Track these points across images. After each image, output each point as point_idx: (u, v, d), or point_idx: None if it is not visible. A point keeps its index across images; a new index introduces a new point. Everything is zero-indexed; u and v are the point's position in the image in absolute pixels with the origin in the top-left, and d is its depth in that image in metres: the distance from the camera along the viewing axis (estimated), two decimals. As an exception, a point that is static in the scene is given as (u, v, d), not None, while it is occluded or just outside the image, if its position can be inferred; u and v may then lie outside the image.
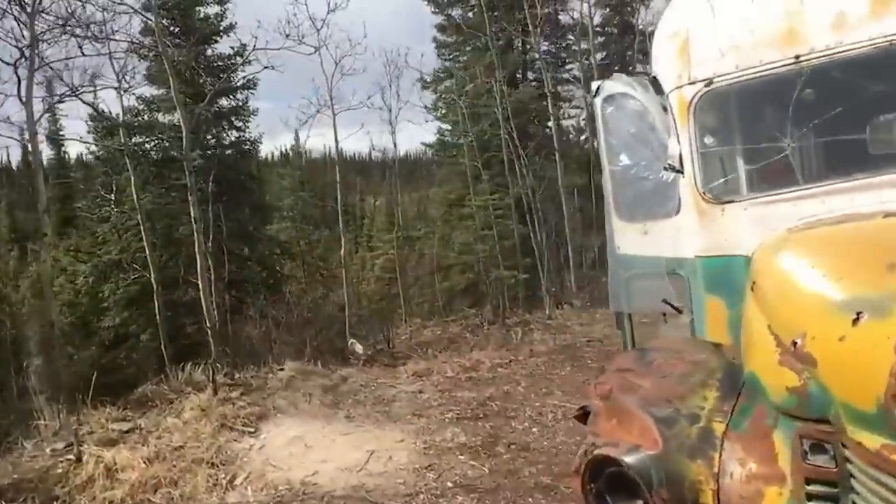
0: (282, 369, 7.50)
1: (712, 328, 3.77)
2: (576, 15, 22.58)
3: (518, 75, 22.75)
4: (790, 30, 3.49)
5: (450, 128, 22.47)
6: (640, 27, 23.90)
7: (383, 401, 6.75)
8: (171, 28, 15.51)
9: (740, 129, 4.06)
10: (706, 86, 3.74)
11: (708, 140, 3.83)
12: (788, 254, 2.66)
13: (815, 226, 3.14)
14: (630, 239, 4.04)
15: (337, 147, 15.07)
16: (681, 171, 3.78)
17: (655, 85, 3.82)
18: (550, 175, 18.78)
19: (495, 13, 19.85)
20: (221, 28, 15.83)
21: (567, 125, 20.68)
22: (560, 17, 22.47)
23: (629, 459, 2.26)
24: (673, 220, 3.88)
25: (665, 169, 3.87)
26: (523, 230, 14.91)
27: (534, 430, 5.75)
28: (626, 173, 4.08)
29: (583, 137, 24.70)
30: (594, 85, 4.34)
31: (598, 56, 24.52)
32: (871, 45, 3.26)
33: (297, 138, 27.53)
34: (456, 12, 23.00)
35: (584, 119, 24.28)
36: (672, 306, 4.03)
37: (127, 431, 5.58)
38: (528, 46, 23.05)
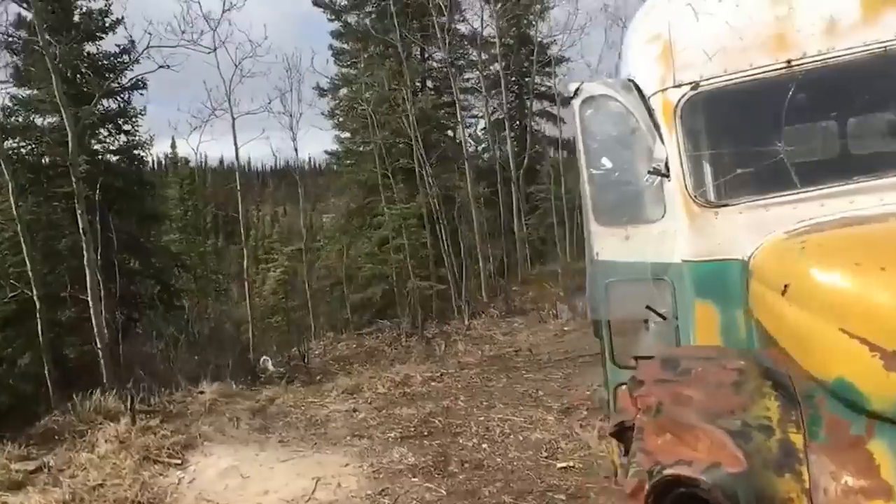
0: (202, 392, 6.91)
1: (702, 333, 3.70)
2: (475, 25, 22.81)
3: (418, 84, 22.68)
4: (780, 35, 3.50)
5: (349, 136, 22.09)
6: (539, 39, 24.61)
7: (317, 422, 6.34)
8: (49, 23, 14.20)
9: (732, 133, 4.02)
10: (692, 89, 3.69)
11: (697, 144, 3.80)
12: (843, 254, 2.60)
13: (837, 226, 3.11)
14: (610, 244, 3.95)
15: (236, 153, 14.29)
16: (666, 175, 3.72)
17: (638, 88, 3.76)
18: (456, 184, 18.87)
19: (394, 20, 19.67)
20: (107, 24, 14.68)
21: (464, 135, 20.69)
22: (458, 26, 22.65)
23: (710, 479, 2.08)
24: (657, 225, 3.81)
25: (649, 173, 3.80)
26: (437, 240, 14.77)
27: (484, 446, 5.56)
28: (606, 177, 3.98)
29: (481, 147, 25.02)
30: (572, 86, 4.21)
31: (496, 67, 24.95)
32: (864, 50, 3.31)
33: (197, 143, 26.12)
34: (352, 18, 22.68)
35: (482, 129, 24.60)
36: (655, 312, 3.97)
37: (33, 471, 4.89)
38: (427, 56, 23.11)
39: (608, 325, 4.09)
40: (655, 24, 3.74)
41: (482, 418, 6.17)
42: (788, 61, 3.51)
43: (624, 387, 3.01)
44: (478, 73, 22.20)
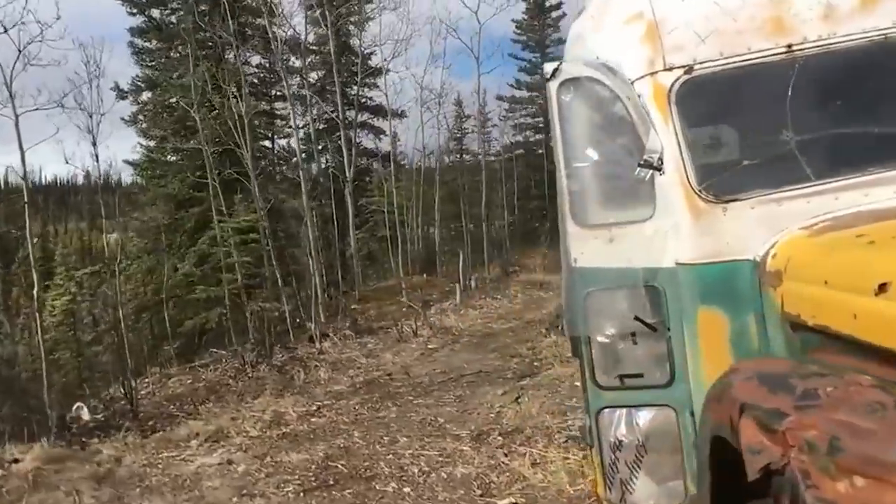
0: (16, 461, 5.31)
1: (709, 345, 3.28)
2: (290, 31, 21.63)
3: (233, 89, 21.00)
4: (777, 18, 3.24)
5: (155, 143, 19.82)
6: (360, 49, 23.94)
7: (186, 483, 5.09)
8: None
9: (734, 121, 3.66)
10: (686, 73, 3.31)
11: (697, 132, 3.38)
12: None
13: (867, 219, 2.83)
14: (592, 249, 3.41)
15: (22, 156, 11.82)
16: (659, 169, 3.27)
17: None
18: (280, 196, 17.60)
19: (206, 19, 18.01)
20: None
21: (297, 144, 19.51)
22: (278, 29, 21.34)
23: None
24: (648, 225, 3.35)
25: (640, 166, 3.33)
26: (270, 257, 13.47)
27: (406, 490, 4.73)
28: (587, 172, 3.45)
29: (302, 158, 23.78)
30: (549, 67, 3.64)
31: (315, 75, 23.95)
32: (865, 37, 3.15)
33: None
34: (157, 13, 20.45)
35: (301, 139, 23.40)
36: (646, 324, 3.49)
37: None
38: (245, 59, 21.49)
39: (588, 341, 3.56)
40: (634, 4, 3.37)
41: (390, 456, 5.34)
42: (789, 46, 3.25)
43: (745, 418, 2.46)
44: (300, 79, 21.03)
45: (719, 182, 3.44)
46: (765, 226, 3.24)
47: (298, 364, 9.62)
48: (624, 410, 3.62)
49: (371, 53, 24.27)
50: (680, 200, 3.41)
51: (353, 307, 14.90)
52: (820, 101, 3.54)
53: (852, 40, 3.22)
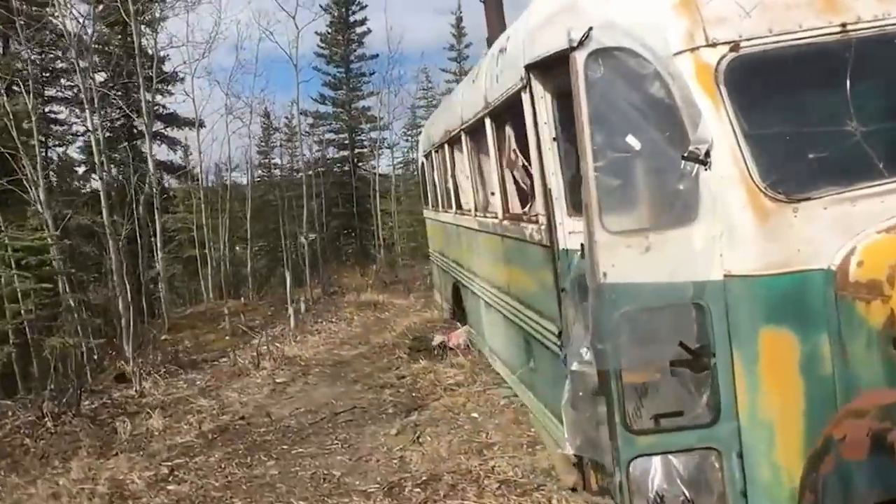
0: None
1: (772, 370, 2.85)
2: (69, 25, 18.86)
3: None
4: None
5: None
6: (151, 51, 21.52)
7: None
8: None
9: (791, 108, 3.22)
10: (732, 50, 2.89)
11: (755, 120, 2.94)
12: None
13: None
14: (624, 260, 2.85)
15: None
16: (704, 163, 2.81)
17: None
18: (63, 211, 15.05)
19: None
20: None
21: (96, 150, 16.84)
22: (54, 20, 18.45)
23: None
24: (693, 229, 2.86)
25: (684, 158, 2.85)
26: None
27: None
28: (621, 165, 2.87)
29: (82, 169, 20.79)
30: (573, 33, 3.02)
31: (101, 76, 21.13)
32: None
33: None
34: None
35: (79, 148, 20.41)
36: (690, 351, 2.99)
37: None
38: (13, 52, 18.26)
39: (618, 375, 2.97)
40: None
41: (295, 530, 4.34)
42: (843, 25, 2.93)
43: None
44: (83, 80, 18.33)
45: (790, 178, 2.90)
46: (838, 229, 2.87)
47: (117, 411, 7.96)
48: (660, 458, 3.03)
49: (166, 57, 22.06)
50: (739, 200, 2.95)
51: (163, 338, 13.05)
52: (882, 87, 3.23)
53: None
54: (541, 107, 4.03)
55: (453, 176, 7.51)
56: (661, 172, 3.03)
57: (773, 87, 3.19)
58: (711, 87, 2.88)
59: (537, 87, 4.03)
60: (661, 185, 3.05)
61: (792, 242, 2.78)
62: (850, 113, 2.91)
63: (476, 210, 6.41)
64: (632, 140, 3.02)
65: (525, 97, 4.17)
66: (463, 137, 6.44)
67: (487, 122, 5.27)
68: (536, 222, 4.33)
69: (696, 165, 2.84)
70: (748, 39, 2.90)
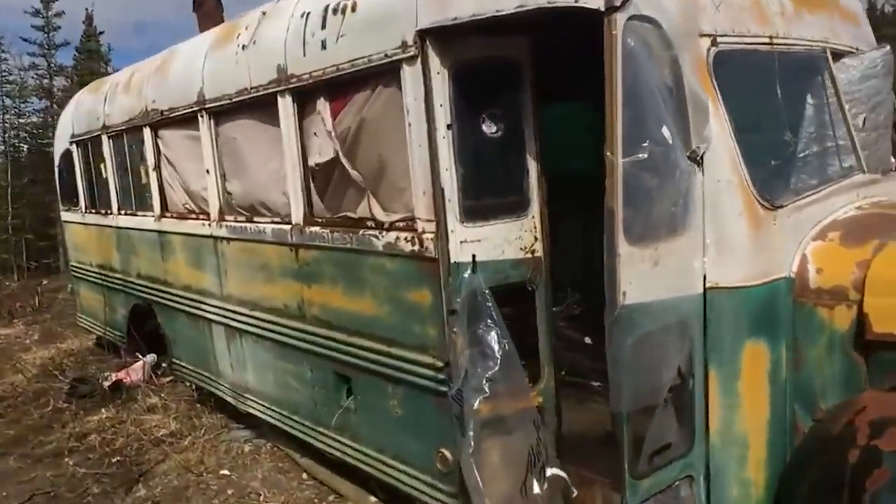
0: None
1: (752, 386, 2.84)
2: None
3: None
4: (757, 3, 3.13)
5: None
6: None
7: None
8: None
9: (760, 111, 3.25)
10: (713, 44, 2.84)
11: (741, 120, 2.84)
12: None
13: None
14: (640, 276, 2.55)
15: None
16: (699, 164, 2.65)
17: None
18: None
19: None
20: None
21: None
22: None
23: None
24: (682, 240, 2.67)
25: (688, 158, 2.63)
26: None
27: None
28: (651, 161, 2.50)
29: None
30: None
31: None
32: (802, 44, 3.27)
33: None
34: None
35: None
36: (682, 376, 2.75)
37: None
38: None
39: (627, 417, 2.55)
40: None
41: None
42: (770, 38, 3.14)
43: None
44: None
45: (772, 184, 3.04)
46: (793, 235, 2.93)
47: None
48: (651, 501, 2.77)
49: None
50: (736, 207, 2.79)
51: None
52: (802, 101, 3.45)
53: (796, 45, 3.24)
54: (437, 84, 3.22)
55: (158, 169, 5.83)
56: (673, 173, 2.63)
57: (743, 86, 3.10)
58: (707, 81, 2.71)
59: (434, 59, 3.20)
60: (672, 188, 2.64)
61: (771, 251, 2.79)
62: (795, 119, 3.22)
63: (222, 214, 5.02)
64: (666, 131, 2.54)
65: (408, 71, 3.28)
66: (203, 119, 4.99)
67: (285, 101, 4.11)
68: (410, 230, 3.46)
69: (696, 167, 2.60)
70: (721, 35, 2.89)
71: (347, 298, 3.98)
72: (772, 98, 3.17)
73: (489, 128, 3.40)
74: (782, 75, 3.23)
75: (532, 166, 3.53)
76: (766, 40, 3.18)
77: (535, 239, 3.58)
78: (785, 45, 3.29)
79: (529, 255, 3.57)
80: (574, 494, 3.19)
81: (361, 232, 3.74)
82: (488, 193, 3.49)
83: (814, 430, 2.92)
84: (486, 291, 3.32)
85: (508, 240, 3.49)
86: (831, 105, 3.59)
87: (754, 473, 2.90)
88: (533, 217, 3.56)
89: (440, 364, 3.44)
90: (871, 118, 4.03)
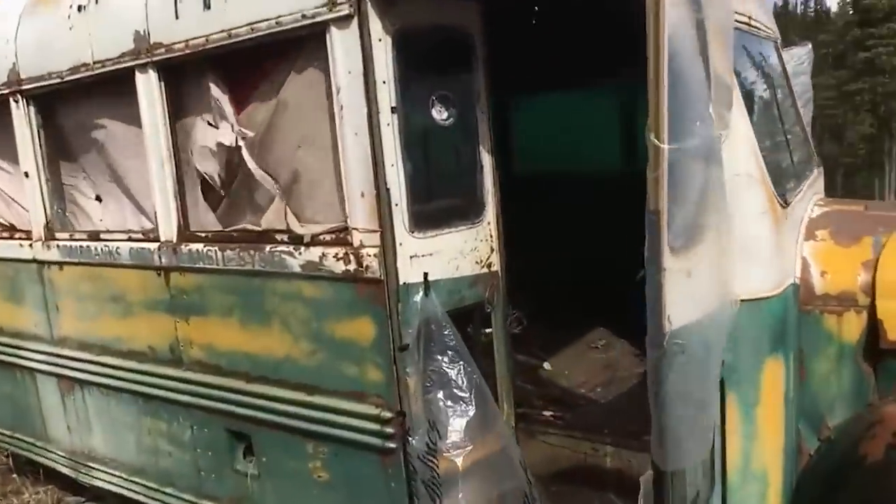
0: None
1: (769, 409, 2.46)
2: None
3: None
4: None
5: None
6: None
7: None
8: None
9: (753, 96, 2.92)
10: None
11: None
12: None
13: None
14: (681, 294, 2.07)
15: None
16: None
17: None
18: None
19: None
20: None
21: None
22: None
23: None
24: (721, 245, 2.30)
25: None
26: None
27: None
28: (698, 148, 2.04)
29: None
30: None
31: None
32: None
33: None
34: None
35: None
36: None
37: None
38: None
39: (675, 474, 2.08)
40: None
41: None
42: (749, 18, 3.05)
43: None
44: None
45: (779, 180, 2.64)
46: (791, 235, 2.68)
47: None
48: None
49: None
50: (758, 205, 2.46)
51: None
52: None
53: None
54: (379, 55, 2.48)
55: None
56: (720, 163, 2.13)
57: (741, 70, 2.73)
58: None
59: (374, 20, 2.46)
60: (717, 180, 2.15)
61: (783, 255, 2.50)
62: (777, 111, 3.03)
63: (50, 231, 3.85)
64: (712, 111, 2.02)
65: (338, 37, 2.50)
66: (18, 106, 3.78)
67: (147, 78, 3.13)
68: (342, 244, 2.68)
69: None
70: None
71: (246, 336, 3.07)
72: (759, 83, 2.81)
73: (440, 113, 2.72)
74: (755, 60, 2.91)
75: (487, 161, 2.89)
76: (746, 20, 2.83)
77: (492, 250, 2.95)
78: (756, 27, 2.96)
79: (486, 270, 2.93)
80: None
81: (268, 248, 2.87)
82: (440, 195, 2.81)
83: (828, 450, 2.58)
84: (444, 316, 2.65)
85: (463, 252, 2.82)
86: (785, 97, 3.34)
87: (773, 508, 2.54)
88: (488, 223, 2.93)
89: (387, 415, 2.68)
90: (803, 113, 3.86)
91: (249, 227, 2.97)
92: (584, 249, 4.51)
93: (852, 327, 2.49)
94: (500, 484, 2.78)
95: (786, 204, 2.52)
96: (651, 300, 1.90)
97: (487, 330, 3.13)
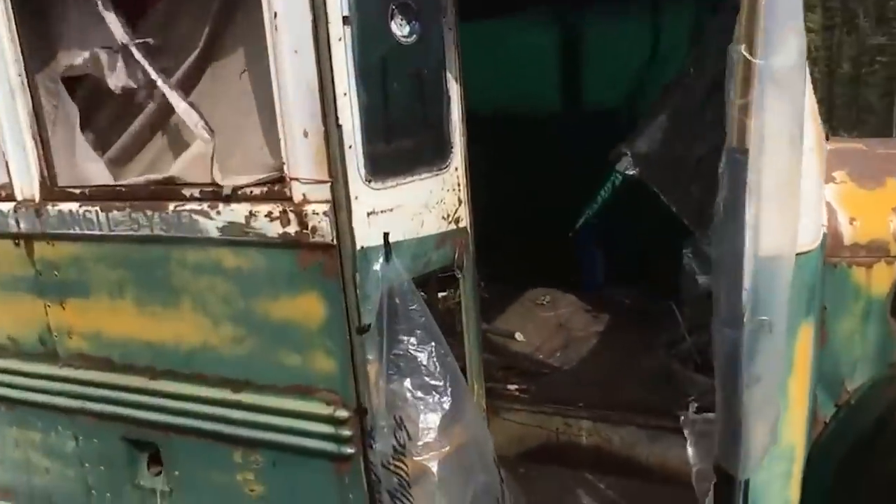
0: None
1: (799, 380, 2.14)
2: None
3: None
4: None
5: None
6: None
7: None
8: None
9: None
10: None
11: None
12: None
13: None
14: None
15: None
16: None
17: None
18: None
19: None
20: None
21: None
22: None
23: None
24: None
25: None
26: None
27: None
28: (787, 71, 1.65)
29: None
30: None
31: None
32: None
33: None
34: None
35: None
36: None
37: None
38: None
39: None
40: None
41: None
42: None
43: None
44: None
45: None
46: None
47: None
48: None
49: None
50: (809, 140, 2.05)
51: None
52: None
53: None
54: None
55: None
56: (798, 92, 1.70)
57: None
58: None
59: None
60: (797, 110, 1.72)
61: (819, 200, 2.17)
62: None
63: None
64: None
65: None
66: None
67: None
68: (278, 198, 2.04)
69: None
70: None
71: (145, 321, 2.37)
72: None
73: (400, 28, 2.10)
74: None
75: (455, 91, 2.32)
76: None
77: (459, 202, 2.40)
78: None
79: (454, 227, 2.39)
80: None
81: (173, 207, 2.17)
82: (400, 134, 2.21)
83: (849, 416, 2.32)
84: (410, 286, 2.11)
85: (428, 205, 2.27)
86: None
87: (795, 491, 2.23)
88: (456, 169, 2.37)
89: (343, 414, 2.12)
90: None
91: (145, 178, 2.24)
92: (517, 199, 4.07)
93: (883, 280, 2.23)
94: (473, 480, 2.33)
95: (827, 138, 2.12)
96: (728, 273, 1.44)
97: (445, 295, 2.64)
